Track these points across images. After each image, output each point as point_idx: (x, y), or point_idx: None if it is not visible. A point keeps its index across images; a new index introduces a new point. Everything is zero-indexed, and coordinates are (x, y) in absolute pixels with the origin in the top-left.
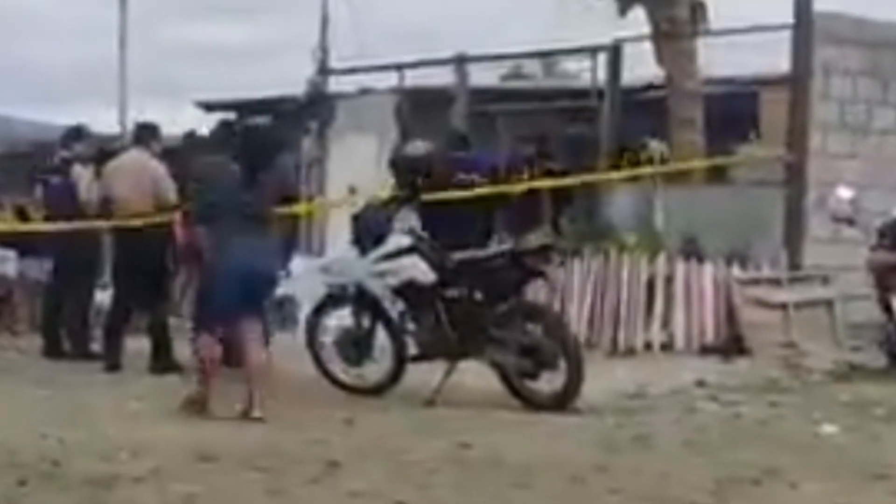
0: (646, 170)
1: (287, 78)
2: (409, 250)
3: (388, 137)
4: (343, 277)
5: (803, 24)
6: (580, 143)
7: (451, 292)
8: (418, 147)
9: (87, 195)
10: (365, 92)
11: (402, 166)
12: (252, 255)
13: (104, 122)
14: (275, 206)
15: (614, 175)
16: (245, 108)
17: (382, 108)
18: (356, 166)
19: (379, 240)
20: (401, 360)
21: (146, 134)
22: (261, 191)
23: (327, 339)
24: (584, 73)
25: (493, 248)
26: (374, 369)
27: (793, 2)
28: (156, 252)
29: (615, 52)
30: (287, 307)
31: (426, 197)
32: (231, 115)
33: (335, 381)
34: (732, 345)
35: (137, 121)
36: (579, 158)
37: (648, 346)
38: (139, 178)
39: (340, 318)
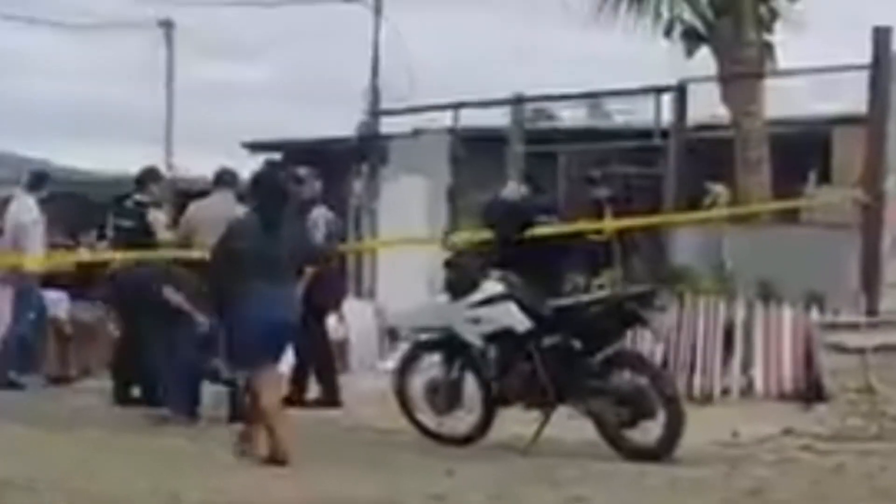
0: (722, 212)
1: (335, 119)
2: (503, 297)
3: (441, 179)
4: (435, 324)
5: (882, 65)
6: (646, 183)
7: (548, 340)
8: (515, 191)
9: (164, 239)
10: (417, 133)
11: (498, 211)
12: (273, 303)
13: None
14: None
15: (688, 217)
16: (292, 149)
17: (435, 150)
18: (408, 208)
19: (472, 286)
20: (491, 410)
21: (228, 177)
22: (282, 241)
23: (416, 386)
24: (623, 115)
25: (595, 294)
26: (464, 418)
27: (871, 42)
28: None
29: (681, 93)
30: (342, 350)
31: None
32: (277, 156)
33: (423, 430)
34: (812, 391)
35: (222, 165)
36: (645, 199)
37: (725, 392)
38: (220, 224)
39: (429, 366)
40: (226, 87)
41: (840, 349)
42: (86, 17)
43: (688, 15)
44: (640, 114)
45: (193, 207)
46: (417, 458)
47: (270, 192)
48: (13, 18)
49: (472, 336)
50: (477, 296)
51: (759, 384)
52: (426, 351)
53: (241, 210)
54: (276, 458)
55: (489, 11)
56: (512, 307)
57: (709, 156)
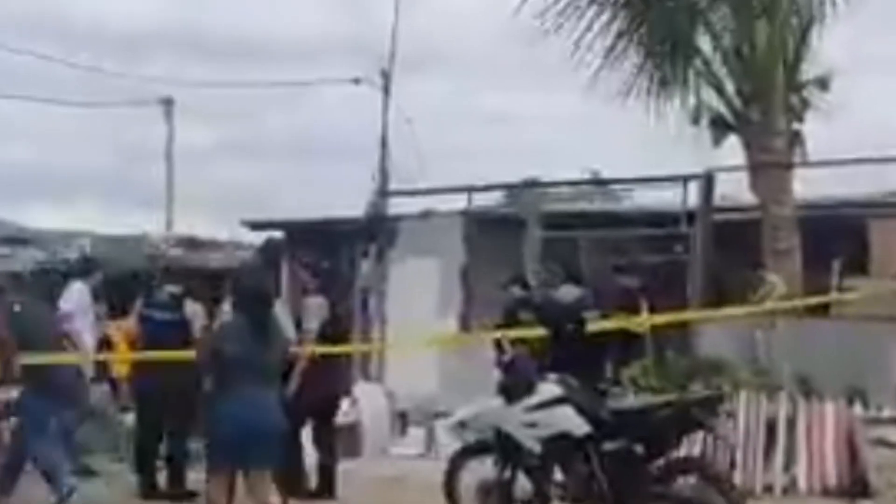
0: (767, 306)
1: (341, 199)
2: (560, 400)
3: (453, 261)
4: (486, 426)
5: None
6: (672, 270)
7: (607, 445)
8: (570, 293)
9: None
10: (427, 214)
11: (552, 312)
12: (254, 407)
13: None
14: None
15: (743, 311)
16: (294, 228)
17: (447, 232)
18: (419, 290)
19: (528, 388)
20: None
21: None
22: (266, 344)
23: (465, 487)
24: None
25: (659, 398)
26: None
27: None
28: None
29: (708, 182)
30: (355, 433)
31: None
32: (278, 234)
33: None
34: (857, 487)
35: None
36: (672, 287)
37: (768, 488)
38: None
39: (480, 467)
40: (224, 162)
41: (885, 444)
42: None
43: (716, 102)
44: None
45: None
46: None
47: (253, 295)
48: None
49: (529, 440)
50: (533, 399)
51: (802, 480)
52: (478, 452)
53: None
54: None
55: (505, 91)
56: (570, 411)
57: (737, 242)
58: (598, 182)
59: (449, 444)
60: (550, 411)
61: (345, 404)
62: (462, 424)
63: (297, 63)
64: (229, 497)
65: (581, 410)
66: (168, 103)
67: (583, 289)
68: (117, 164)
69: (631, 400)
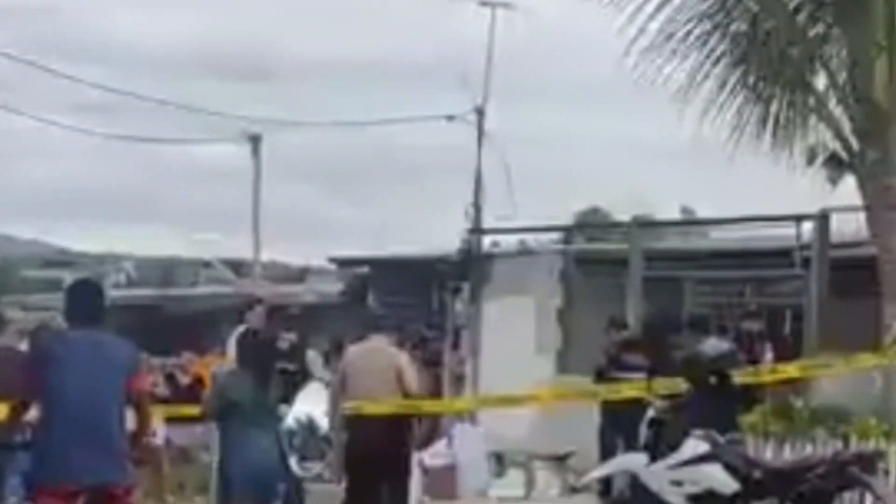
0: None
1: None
2: (708, 457)
3: (549, 300)
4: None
5: None
6: (787, 312)
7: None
8: (719, 346)
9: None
10: (524, 252)
11: (701, 366)
12: (266, 449)
13: None
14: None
15: (866, 361)
16: (379, 264)
17: (544, 270)
18: (513, 329)
19: (675, 445)
20: None
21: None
22: (267, 395)
23: None
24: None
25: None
26: None
27: None
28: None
29: (823, 222)
30: (451, 475)
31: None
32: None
33: None
34: None
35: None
36: (789, 329)
37: None
38: (384, 371)
39: None
40: (308, 195)
41: None
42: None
43: (831, 142)
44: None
45: (353, 353)
46: None
47: (255, 352)
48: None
49: (675, 497)
50: (679, 455)
51: None
52: None
53: (397, 353)
54: None
55: (605, 123)
56: (717, 468)
57: (855, 283)
58: (709, 222)
59: (550, 488)
60: (697, 468)
61: (441, 445)
62: (607, 487)
63: (389, 98)
64: None
65: (729, 468)
66: (255, 140)
67: (728, 343)
68: (158, 186)
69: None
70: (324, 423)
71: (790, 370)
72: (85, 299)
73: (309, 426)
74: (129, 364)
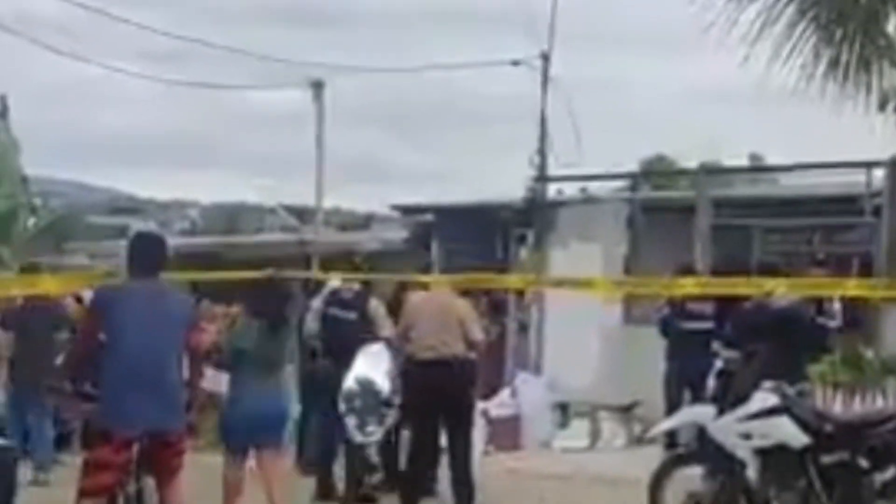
0: None
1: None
2: (777, 410)
3: (616, 247)
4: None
5: None
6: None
7: (827, 457)
8: (786, 299)
9: (386, 334)
10: (589, 200)
11: (771, 317)
12: (266, 396)
13: None
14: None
15: None
16: (444, 212)
17: (611, 217)
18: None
19: (743, 397)
20: None
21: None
22: (279, 341)
23: (671, 499)
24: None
25: (884, 408)
26: None
27: None
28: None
29: (894, 169)
30: (515, 425)
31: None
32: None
33: None
34: None
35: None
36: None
37: None
38: (446, 318)
39: (687, 478)
40: (374, 141)
41: None
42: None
43: None
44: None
45: (417, 301)
46: None
47: (272, 300)
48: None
49: (742, 451)
50: (748, 408)
51: None
52: (687, 463)
53: (460, 301)
54: None
55: (670, 69)
56: (787, 421)
57: None
58: (778, 169)
59: (615, 438)
60: (766, 421)
61: (504, 395)
62: (673, 438)
63: (453, 44)
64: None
65: (799, 421)
66: (319, 86)
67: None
68: (223, 132)
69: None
70: (385, 385)
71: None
72: (147, 251)
73: (369, 389)
74: (187, 317)
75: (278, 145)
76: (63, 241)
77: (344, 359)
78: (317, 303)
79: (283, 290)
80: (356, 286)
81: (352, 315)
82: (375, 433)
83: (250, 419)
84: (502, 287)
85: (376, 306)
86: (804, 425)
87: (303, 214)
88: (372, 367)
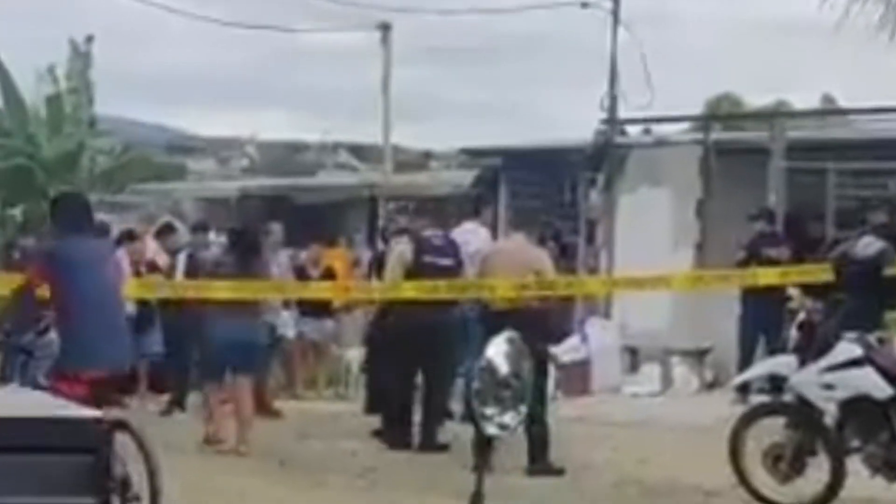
0: None
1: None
2: (860, 361)
3: (688, 192)
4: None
5: None
6: None
7: None
8: (872, 244)
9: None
10: (660, 143)
11: (854, 266)
12: (240, 325)
13: None
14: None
15: None
16: (512, 155)
17: (683, 161)
18: (649, 223)
19: (826, 348)
20: (839, 481)
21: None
22: (252, 275)
23: (752, 450)
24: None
25: None
26: (804, 488)
27: None
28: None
29: None
30: (584, 370)
31: None
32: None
33: (755, 495)
34: None
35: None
36: None
37: None
38: (522, 268)
39: (768, 429)
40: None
41: None
42: None
43: None
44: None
45: (492, 249)
46: None
47: (244, 242)
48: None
49: (825, 402)
50: (831, 359)
51: None
52: (768, 414)
53: (537, 251)
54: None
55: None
56: (870, 372)
57: None
58: (855, 111)
59: (687, 384)
60: (849, 372)
61: (574, 340)
62: (745, 386)
63: None
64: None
65: (882, 372)
66: (385, 26)
67: (884, 242)
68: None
69: None
70: (503, 366)
71: None
72: (74, 210)
73: (488, 370)
74: (117, 260)
75: (341, 84)
76: (124, 181)
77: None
78: (402, 248)
79: (254, 235)
80: (441, 232)
81: (448, 262)
82: (495, 415)
83: (230, 347)
84: (581, 293)
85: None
86: (888, 376)
87: (364, 154)
88: (492, 347)
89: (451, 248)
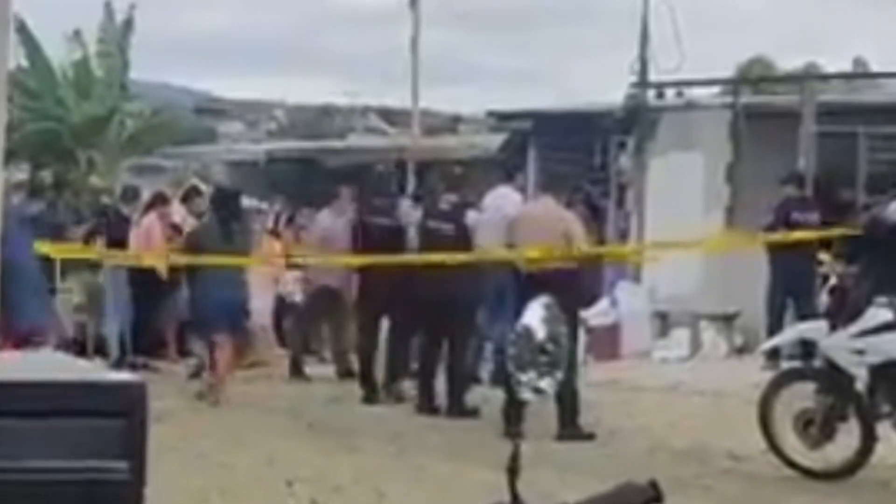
0: None
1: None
2: (891, 326)
3: (718, 156)
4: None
5: None
6: None
7: None
8: None
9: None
10: (691, 106)
11: (885, 231)
12: (225, 286)
13: None
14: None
15: None
16: (541, 118)
17: (713, 125)
18: (680, 186)
19: (856, 313)
20: (867, 447)
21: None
22: (233, 241)
23: (782, 415)
24: None
25: None
26: (834, 453)
27: None
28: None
29: None
30: (614, 334)
31: None
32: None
33: (785, 460)
34: None
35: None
36: None
37: None
38: (551, 231)
39: (798, 395)
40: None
41: None
42: None
43: None
44: None
45: (520, 213)
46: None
47: (225, 207)
48: None
49: (855, 367)
50: (862, 324)
51: None
52: (798, 379)
53: (567, 214)
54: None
55: None
56: None
57: None
58: (888, 75)
59: (716, 349)
60: (880, 337)
61: (604, 304)
62: (773, 352)
63: None
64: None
65: None
66: None
67: None
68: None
69: None
70: (540, 331)
71: None
72: None
73: (525, 335)
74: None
75: (369, 47)
76: (153, 144)
77: (438, 273)
78: (417, 214)
79: (234, 199)
80: (453, 198)
81: (448, 227)
82: (531, 381)
83: (224, 306)
84: (615, 256)
85: (477, 218)
86: None
87: (393, 117)
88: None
89: (456, 214)
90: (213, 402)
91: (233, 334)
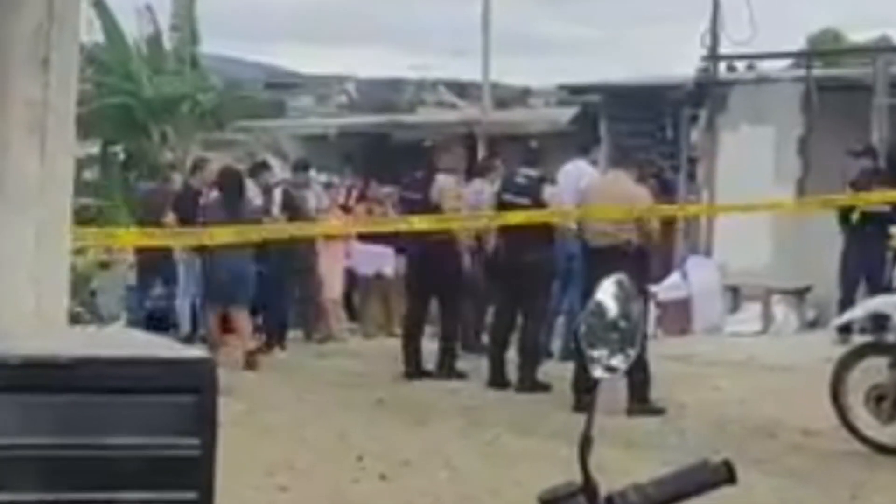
0: None
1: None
2: None
3: (791, 130)
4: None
5: None
6: None
7: None
8: None
9: None
10: (762, 80)
11: None
12: (228, 260)
13: None
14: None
15: None
16: (611, 92)
17: (785, 98)
18: (752, 160)
19: None
20: None
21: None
22: (237, 216)
23: (854, 390)
24: None
25: None
26: None
27: None
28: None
29: None
30: (685, 308)
31: None
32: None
33: (857, 435)
34: None
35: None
36: None
37: None
38: (622, 204)
39: (871, 369)
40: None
41: None
42: None
43: None
44: None
45: (592, 186)
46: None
47: (231, 183)
48: None
49: None
50: None
51: None
52: (871, 354)
53: (638, 189)
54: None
55: None
56: None
57: None
58: None
59: (788, 323)
60: None
61: (675, 277)
62: (846, 326)
63: None
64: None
65: None
66: None
67: None
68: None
69: None
70: (613, 308)
71: None
72: None
73: (598, 312)
74: None
75: (439, 19)
76: (226, 119)
77: (515, 246)
78: (491, 187)
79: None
80: (531, 172)
81: (524, 201)
82: (602, 357)
83: (227, 279)
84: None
85: (552, 192)
86: None
87: (463, 90)
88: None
89: (533, 188)
90: (251, 366)
91: (243, 305)
